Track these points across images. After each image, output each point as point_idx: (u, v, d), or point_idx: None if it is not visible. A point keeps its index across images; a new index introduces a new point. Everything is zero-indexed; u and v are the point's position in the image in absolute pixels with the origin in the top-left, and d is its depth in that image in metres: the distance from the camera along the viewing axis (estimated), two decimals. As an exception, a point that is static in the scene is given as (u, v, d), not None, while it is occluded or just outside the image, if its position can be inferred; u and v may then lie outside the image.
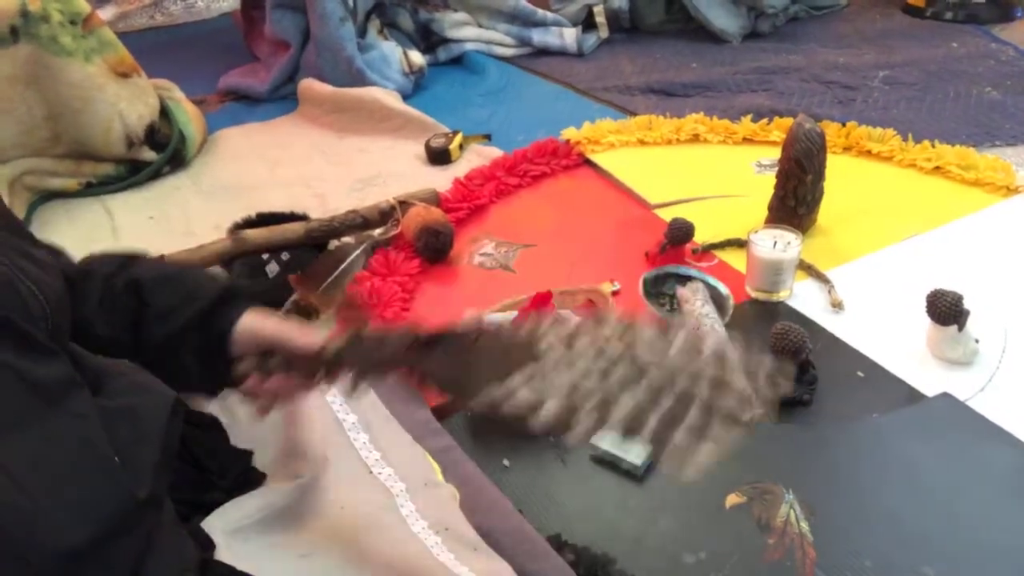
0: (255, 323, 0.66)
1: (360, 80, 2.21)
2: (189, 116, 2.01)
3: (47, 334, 0.51)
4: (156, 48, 2.81)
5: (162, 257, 1.33)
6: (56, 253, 0.69)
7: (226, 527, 0.63)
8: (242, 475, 0.74)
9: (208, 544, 0.60)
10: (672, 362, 0.52)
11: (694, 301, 1.16)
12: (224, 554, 0.60)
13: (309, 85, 2.23)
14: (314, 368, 0.64)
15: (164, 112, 1.95)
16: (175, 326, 0.65)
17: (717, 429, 0.48)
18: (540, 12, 2.59)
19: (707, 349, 0.52)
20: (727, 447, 0.47)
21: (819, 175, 1.37)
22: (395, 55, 2.31)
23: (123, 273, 0.68)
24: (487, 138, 1.94)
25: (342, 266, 1.36)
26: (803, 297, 1.25)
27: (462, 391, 0.58)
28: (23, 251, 0.55)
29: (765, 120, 1.82)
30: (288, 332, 0.65)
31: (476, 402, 0.55)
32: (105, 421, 0.51)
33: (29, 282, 0.52)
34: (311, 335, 0.65)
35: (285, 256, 1.41)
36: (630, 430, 0.50)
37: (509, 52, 2.57)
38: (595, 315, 0.57)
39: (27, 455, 0.46)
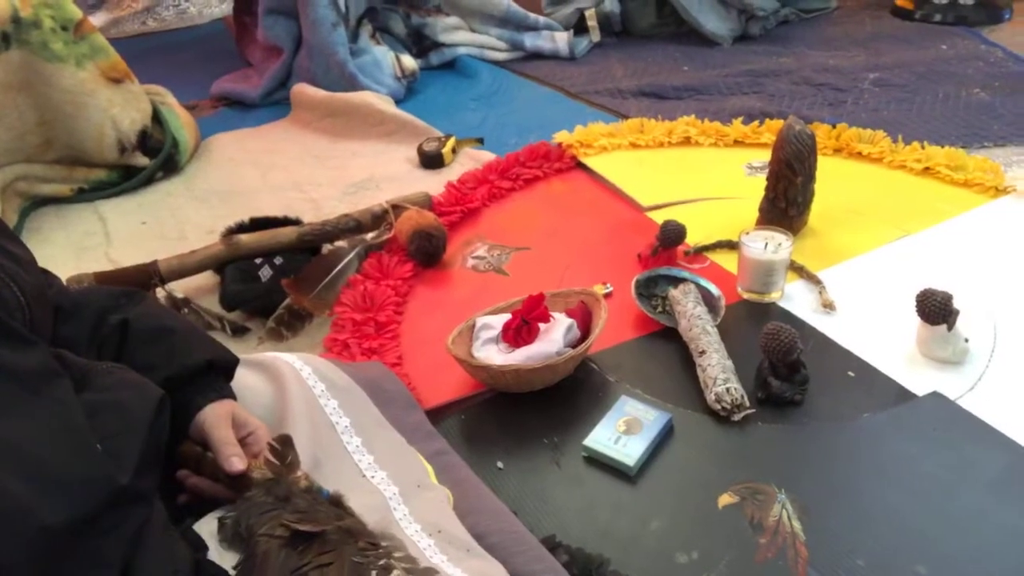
0: (210, 421, 0.67)
1: (352, 85, 2.22)
2: (182, 121, 2.01)
3: (26, 325, 0.52)
4: (148, 54, 2.81)
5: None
6: (47, 275, 0.69)
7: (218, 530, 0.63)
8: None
9: (200, 546, 0.60)
10: None
11: (686, 302, 1.16)
12: (216, 557, 0.60)
13: (302, 90, 2.23)
14: (232, 487, 0.65)
15: (157, 118, 1.95)
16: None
17: None
18: (532, 16, 2.60)
19: None
20: None
21: (810, 177, 1.38)
22: (387, 59, 2.32)
23: (119, 311, 0.69)
24: (480, 142, 1.95)
25: (335, 270, 1.36)
26: (794, 298, 1.26)
27: None
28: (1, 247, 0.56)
29: (756, 122, 1.83)
30: (223, 446, 0.66)
31: None
32: (90, 412, 0.52)
33: (3, 275, 0.53)
34: (237, 461, 0.65)
35: (278, 260, 1.41)
36: None
37: (501, 56, 2.58)
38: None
39: (5, 439, 0.46)
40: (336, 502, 0.64)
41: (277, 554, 0.57)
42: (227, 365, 0.74)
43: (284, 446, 0.67)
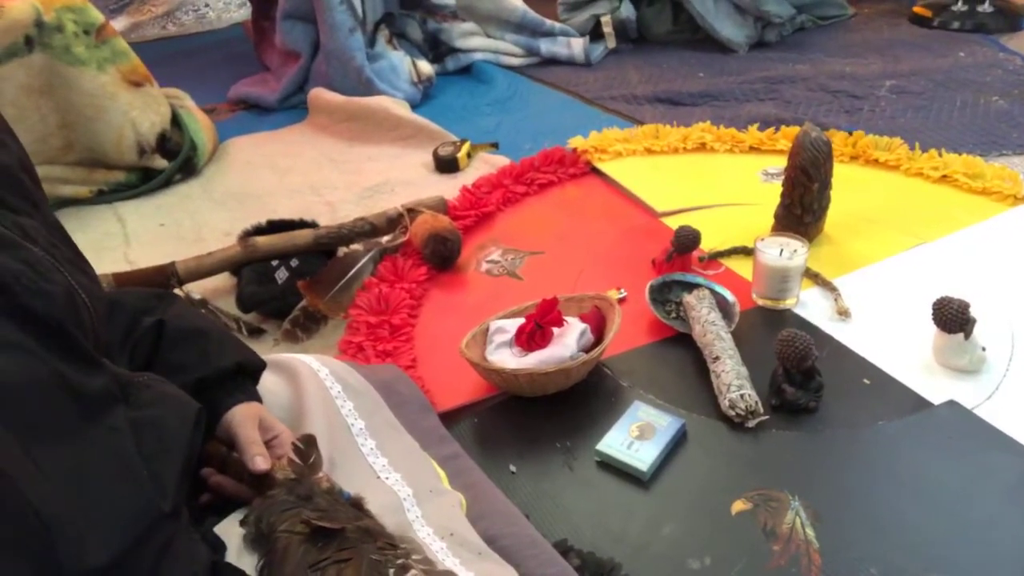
0: (238, 420, 0.69)
1: (369, 89, 2.23)
2: (200, 125, 2.03)
3: (93, 344, 0.52)
4: (168, 58, 2.84)
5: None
6: None
7: (239, 531, 0.63)
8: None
9: (219, 546, 0.61)
10: None
11: (700, 308, 1.16)
12: (235, 557, 0.61)
13: (319, 94, 2.25)
14: (254, 487, 0.66)
15: (176, 121, 1.97)
16: (179, 382, 0.66)
17: None
18: (548, 22, 2.61)
19: None
20: None
21: (825, 183, 1.37)
22: (404, 65, 2.33)
23: (154, 313, 0.70)
24: (495, 146, 1.95)
25: (351, 273, 1.37)
26: (809, 305, 1.26)
27: None
28: (76, 263, 0.56)
29: (772, 129, 1.83)
30: (248, 446, 0.67)
31: None
32: (132, 431, 0.52)
33: (83, 293, 0.53)
34: (262, 461, 0.66)
35: (294, 262, 1.42)
36: None
37: (517, 62, 2.59)
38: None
39: (67, 464, 0.46)
40: (356, 504, 0.65)
41: (296, 549, 0.57)
42: (255, 368, 0.75)
43: (308, 446, 0.68)
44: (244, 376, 0.73)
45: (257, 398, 0.73)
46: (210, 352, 0.70)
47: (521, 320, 1.14)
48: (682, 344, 1.18)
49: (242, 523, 0.63)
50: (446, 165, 1.86)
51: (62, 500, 0.45)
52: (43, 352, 0.48)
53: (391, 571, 0.56)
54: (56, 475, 0.45)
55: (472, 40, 2.59)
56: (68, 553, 0.44)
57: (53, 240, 0.56)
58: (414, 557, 0.59)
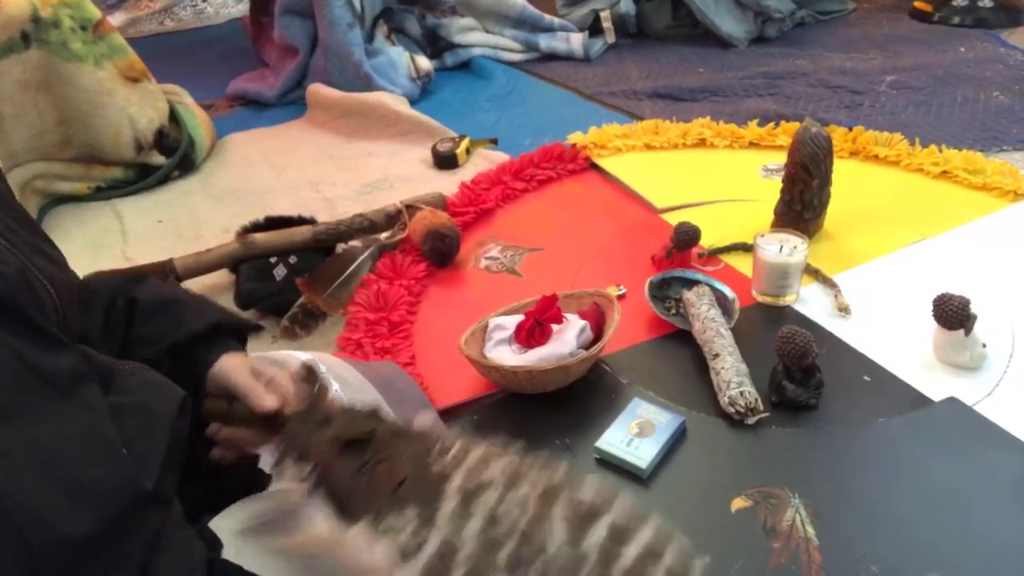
0: (228, 369, 0.69)
1: (368, 85, 2.23)
2: (198, 121, 2.03)
3: (58, 327, 0.52)
4: (165, 53, 2.83)
5: (174, 273, 1.35)
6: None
7: (234, 527, 0.63)
8: (250, 477, 0.74)
9: (215, 543, 0.60)
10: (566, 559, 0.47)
11: (700, 305, 1.16)
12: (231, 554, 0.60)
13: (317, 90, 2.24)
14: (267, 429, 0.66)
15: (173, 117, 1.97)
16: (150, 354, 0.67)
17: None
18: (547, 18, 2.60)
19: (628, 551, 0.47)
20: None
21: (825, 180, 1.37)
22: (402, 60, 2.32)
23: (125, 293, 0.70)
24: (494, 142, 1.95)
25: (349, 269, 1.37)
26: (809, 301, 1.25)
27: (340, 512, 0.57)
28: (36, 247, 0.56)
29: (771, 124, 1.82)
30: (251, 389, 0.67)
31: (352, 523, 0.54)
32: (114, 415, 0.52)
33: (41, 277, 0.53)
34: (269, 398, 0.66)
35: (293, 259, 1.42)
36: None
37: (516, 57, 2.58)
38: (518, 470, 0.54)
39: (34, 443, 0.46)
40: (374, 413, 0.65)
41: (337, 464, 0.58)
42: (237, 327, 0.74)
43: (311, 373, 0.68)
44: (225, 335, 0.72)
45: (241, 351, 0.73)
46: (184, 318, 0.70)
47: (520, 317, 1.14)
48: (682, 341, 1.17)
49: (274, 467, 0.63)
50: (445, 161, 1.85)
51: (30, 476, 0.45)
52: None
53: (433, 454, 0.57)
54: (21, 452, 0.45)
55: (471, 35, 2.58)
56: (39, 527, 0.44)
57: (12, 225, 0.56)
58: (447, 442, 0.59)
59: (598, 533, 0.48)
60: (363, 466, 0.57)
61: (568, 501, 0.51)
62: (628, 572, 0.47)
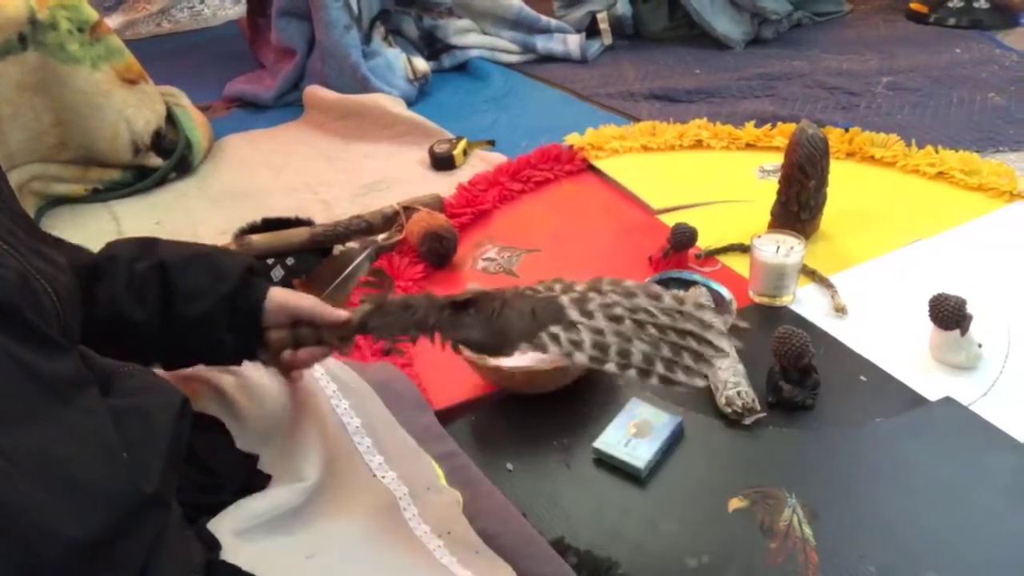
0: (283, 297, 0.72)
1: (365, 87, 2.23)
2: (195, 122, 2.02)
3: (59, 331, 0.52)
4: (162, 55, 2.83)
5: None
6: (77, 248, 0.71)
7: (233, 528, 0.63)
8: (248, 478, 0.74)
9: (214, 545, 0.60)
10: (663, 319, 0.65)
11: (697, 306, 1.16)
12: (230, 555, 0.60)
13: (314, 92, 2.24)
14: (343, 336, 0.72)
15: (170, 118, 1.97)
16: (206, 306, 0.69)
17: (704, 366, 0.64)
18: (544, 19, 2.61)
19: (688, 303, 0.67)
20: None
21: (822, 180, 1.37)
22: (399, 62, 2.32)
23: (147, 256, 0.71)
24: (491, 144, 1.95)
25: (346, 271, 1.37)
26: (806, 302, 1.26)
27: (496, 350, 0.67)
28: (36, 250, 0.56)
29: (768, 126, 1.83)
30: (316, 304, 0.72)
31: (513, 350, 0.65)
32: (114, 419, 0.52)
33: (42, 280, 0.53)
34: (340, 311, 0.72)
35: (290, 261, 1.42)
36: (644, 373, 0.63)
37: (513, 59, 2.58)
38: (594, 281, 0.69)
39: (35, 447, 0.46)
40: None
41: (467, 318, 0.67)
42: (259, 268, 0.77)
43: (377, 275, 0.73)
44: (257, 274, 0.75)
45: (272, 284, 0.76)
46: (222, 266, 0.72)
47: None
48: (679, 341, 1.17)
49: (386, 350, 0.71)
50: (442, 162, 1.86)
51: (30, 481, 0.45)
52: None
53: (527, 292, 0.69)
54: (21, 457, 0.45)
55: (468, 37, 2.58)
56: (39, 531, 0.44)
57: (12, 228, 0.56)
58: (544, 283, 0.70)
59: (668, 298, 0.68)
60: (492, 313, 0.66)
61: (644, 286, 0.69)
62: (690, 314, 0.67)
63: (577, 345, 0.64)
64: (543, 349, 0.64)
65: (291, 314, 0.72)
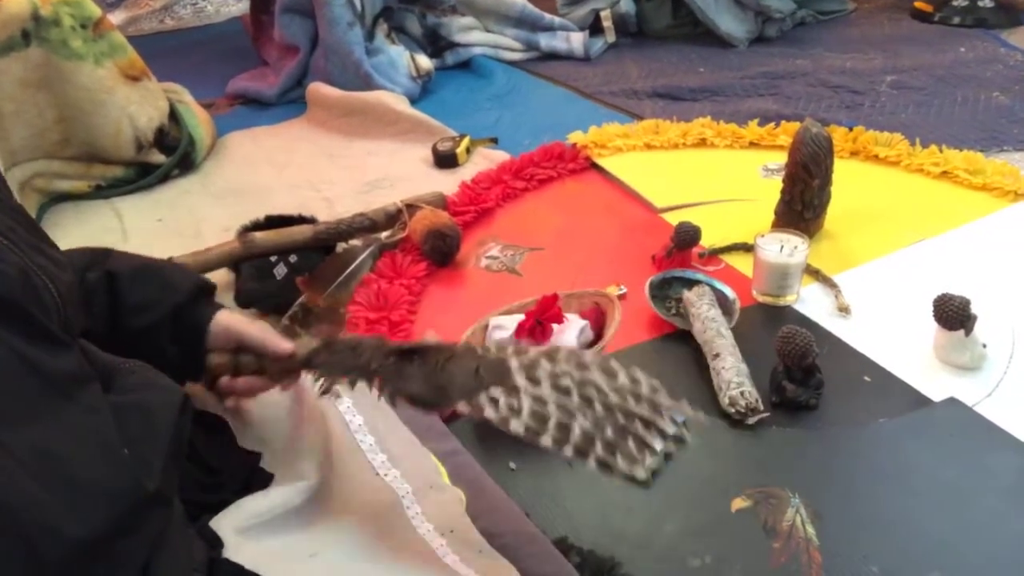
0: (230, 321, 0.71)
1: (368, 84, 2.22)
2: (198, 119, 2.02)
3: (60, 327, 0.52)
4: (165, 52, 2.82)
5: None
6: None
7: (235, 526, 0.63)
8: (250, 476, 0.74)
9: (216, 543, 0.60)
10: (613, 397, 0.61)
11: (700, 305, 1.16)
12: (232, 553, 0.60)
13: (317, 89, 2.24)
14: (284, 370, 0.69)
15: (173, 115, 1.96)
16: (152, 319, 0.69)
17: (648, 454, 0.60)
18: (547, 17, 2.60)
19: (643, 384, 0.62)
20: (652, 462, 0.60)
21: (826, 180, 1.37)
22: (403, 59, 2.32)
23: (96, 267, 0.71)
24: (494, 142, 1.95)
25: (349, 268, 1.37)
26: (810, 301, 1.25)
27: (434, 405, 0.63)
28: (37, 247, 0.56)
29: (772, 124, 1.82)
30: (262, 333, 0.70)
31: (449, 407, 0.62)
32: (115, 415, 0.52)
33: (43, 276, 0.53)
34: (285, 341, 0.69)
35: (293, 258, 1.42)
36: (581, 453, 0.58)
37: (516, 56, 2.58)
38: (549, 348, 0.65)
39: (37, 443, 0.46)
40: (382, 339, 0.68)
41: (409, 369, 0.64)
42: (210, 288, 0.76)
43: (303, 310, 0.71)
44: (207, 293, 0.74)
45: (225, 308, 0.75)
46: (172, 280, 0.72)
47: (521, 317, 1.14)
48: (682, 341, 1.17)
49: (323, 392, 0.67)
50: (445, 160, 1.85)
51: (32, 477, 0.45)
52: None
53: (479, 350, 0.65)
54: (22, 453, 0.45)
55: (471, 35, 2.58)
56: (41, 528, 0.44)
57: (12, 224, 0.56)
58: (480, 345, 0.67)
59: (623, 377, 0.63)
60: (435, 366, 0.63)
61: (600, 361, 0.65)
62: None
63: (515, 412, 0.60)
64: (480, 411, 0.60)
65: (236, 339, 0.70)
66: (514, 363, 0.63)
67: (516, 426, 0.59)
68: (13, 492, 0.43)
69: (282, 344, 0.69)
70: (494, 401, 0.61)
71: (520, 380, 0.62)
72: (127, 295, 0.69)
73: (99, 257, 0.72)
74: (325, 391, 0.67)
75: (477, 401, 0.61)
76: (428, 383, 0.63)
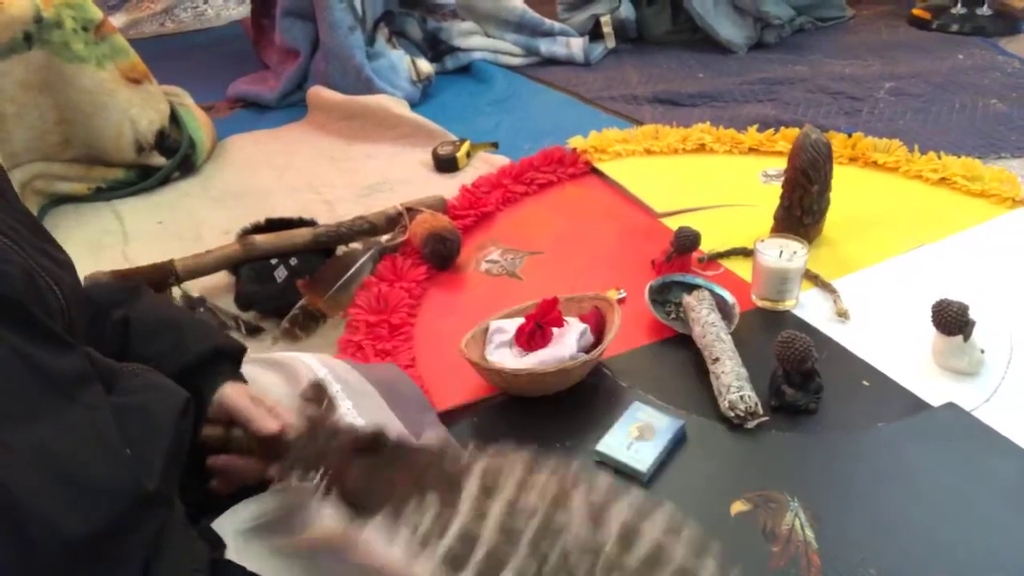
0: (228, 396, 0.69)
1: (368, 88, 2.23)
2: (199, 122, 2.03)
3: (64, 328, 0.52)
4: (166, 55, 2.83)
5: (176, 282, 1.34)
6: None
7: (237, 528, 0.63)
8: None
9: (218, 543, 0.61)
10: (575, 556, 0.50)
11: (700, 309, 1.16)
12: (234, 554, 0.60)
13: (318, 92, 2.25)
14: (267, 455, 0.66)
15: (174, 118, 1.97)
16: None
17: None
18: (547, 22, 2.61)
19: (640, 546, 0.50)
20: None
21: (825, 185, 1.38)
22: (403, 63, 2.33)
23: (121, 308, 0.70)
24: (494, 146, 1.95)
25: (350, 272, 1.37)
26: (809, 306, 1.26)
27: (360, 506, 0.57)
28: (41, 248, 0.56)
29: (771, 130, 1.83)
30: (252, 414, 0.67)
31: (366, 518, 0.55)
32: (117, 416, 0.52)
33: (47, 277, 0.53)
34: (272, 421, 0.66)
35: (293, 261, 1.42)
36: None
37: (516, 61, 2.59)
38: (528, 475, 0.55)
39: (37, 443, 0.46)
40: (380, 430, 0.64)
41: (352, 465, 0.58)
42: (234, 352, 0.74)
43: (319, 391, 0.68)
44: (224, 359, 0.73)
45: (242, 379, 0.73)
46: (186, 341, 0.70)
47: (521, 320, 1.14)
48: (682, 345, 1.18)
49: (277, 481, 0.63)
50: (445, 164, 1.86)
51: (32, 475, 0.45)
52: (1, 331, 0.48)
53: (447, 458, 0.57)
54: (23, 452, 0.45)
55: (472, 39, 2.59)
56: (41, 527, 0.44)
57: (16, 226, 0.56)
58: (457, 449, 0.59)
59: (614, 522, 0.50)
60: (378, 467, 0.57)
61: (584, 492, 0.53)
62: (644, 559, 0.49)
63: (426, 542, 0.51)
64: (395, 531, 0.54)
65: (226, 413, 0.69)
66: (473, 484, 0.54)
67: (423, 561, 0.50)
68: (13, 489, 0.43)
69: (268, 423, 0.66)
70: (415, 528, 0.52)
71: (464, 506, 0.53)
72: (137, 345, 0.69)
73: (122, 297, 0.72)
74: (280, 478, 0.64)
75: (395, 521, 0.53)
76: (365, 483, 0.58)
